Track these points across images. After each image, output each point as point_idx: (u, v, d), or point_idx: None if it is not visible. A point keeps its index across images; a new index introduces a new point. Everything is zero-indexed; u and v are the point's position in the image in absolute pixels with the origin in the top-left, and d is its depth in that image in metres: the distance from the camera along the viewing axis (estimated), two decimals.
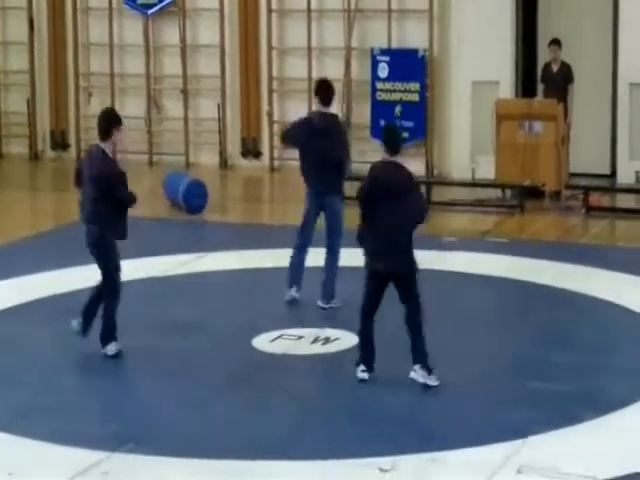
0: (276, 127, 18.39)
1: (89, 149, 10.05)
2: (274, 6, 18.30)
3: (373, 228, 8.96)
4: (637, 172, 16.27)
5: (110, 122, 9.76)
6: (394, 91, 17.51)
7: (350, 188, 10.73)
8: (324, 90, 11.16)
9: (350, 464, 7.63)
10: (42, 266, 12.38)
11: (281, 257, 11.73)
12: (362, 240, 9.07)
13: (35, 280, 11.98)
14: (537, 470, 7.50)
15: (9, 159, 19.77)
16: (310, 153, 10.94)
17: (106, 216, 9.59)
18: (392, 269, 8.93)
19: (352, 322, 10.45)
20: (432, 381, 8.89)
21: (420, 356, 8.92)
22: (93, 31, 19.45)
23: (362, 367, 9.09)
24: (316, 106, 11.27)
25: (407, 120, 17.36)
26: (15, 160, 19.66)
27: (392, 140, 9.19)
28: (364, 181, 9.15)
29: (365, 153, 16.01)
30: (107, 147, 9.80)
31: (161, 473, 7.58)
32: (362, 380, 9.04)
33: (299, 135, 11.07)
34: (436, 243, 13.11)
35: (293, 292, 11.05)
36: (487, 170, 16.11)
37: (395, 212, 8.90)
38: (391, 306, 9.08)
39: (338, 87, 17.85)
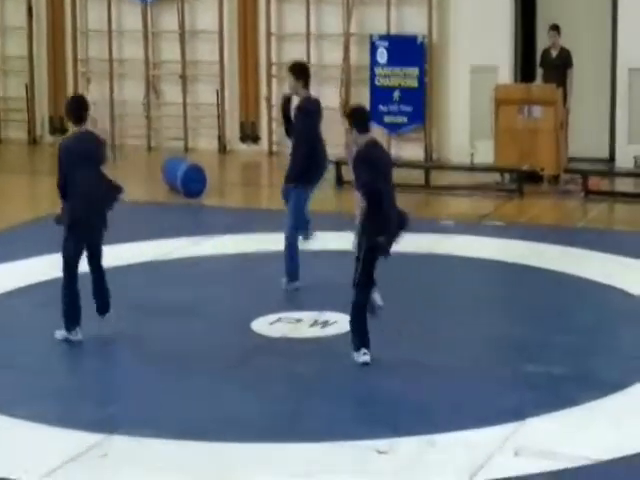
0: (274, 112, 18.40)
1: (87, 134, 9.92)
2: None
3: (380, 205, 8.92)
4: (635, 156, 16.24)
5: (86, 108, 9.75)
6: (393, 76, 17.51)
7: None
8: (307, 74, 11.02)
9: (348, 446, 7.63)
10: (41, 250, 12.36)
11: (279, 241, 11.72)
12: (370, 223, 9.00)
13: (34, 264, 11.97)
14: (534, 452, 7.51)
15: (8, 144, 19.79)
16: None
17: None
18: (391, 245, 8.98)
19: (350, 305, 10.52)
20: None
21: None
22: (92, 17, 19.43)
23: (364, 350, 9.06)
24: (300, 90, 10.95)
25: (406, 105, 17.37)
26: (14, 145, 19.67)
27: (366, 118, 9.18)
28: (361, 172, 9.01)
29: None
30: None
31: (159, 455, 7.57)
32: (365, 364, 9.01)
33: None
34: (434, 227, 13.12)
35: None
36: (486, 155, 16.11)
37: (391, 188, 8.97)
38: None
39: (337, 72, 17.99)
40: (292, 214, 10.95)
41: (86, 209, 9.58)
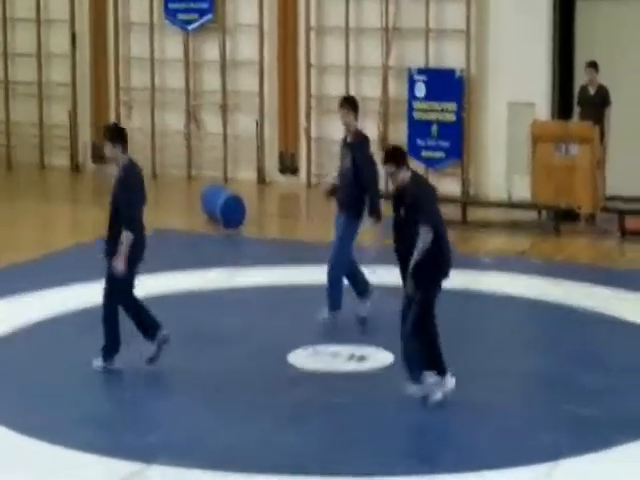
0: (313, 144, 18.49)
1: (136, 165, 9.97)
2: (313, 23, 18.39)
3: (442, 239, 8.96)
4: None
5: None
6: (431, 110, 17.54)
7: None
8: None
9: None
10: (79, 278, 12.46)
11: (316, 274, 11.75)
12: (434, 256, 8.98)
13: (75, 290, 12.05)
14: None
15: (51, 170, 19.91)
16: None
17: None
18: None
19: (388, 340, 10.52)
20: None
21: None
22: (134, 45, 19.60)
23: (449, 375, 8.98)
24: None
25: (443, 140, 17.39)
26: (57, 171, 19.79)
27: (405, 154, 9.18)
28: (426, 205, 8.96)
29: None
30: None
31: None
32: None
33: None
34: (471, 263, 13.10)
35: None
36: (523, 192, 16.11)
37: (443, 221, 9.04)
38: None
39: (375, 106, 18.04)
40: (340, 243, 10.97)
41: (144, 243, 9.64)
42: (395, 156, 9.01)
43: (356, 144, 10.94)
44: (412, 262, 8.81)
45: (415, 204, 8.90)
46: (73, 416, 8.84)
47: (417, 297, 8.89)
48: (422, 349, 8.95)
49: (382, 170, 9.28)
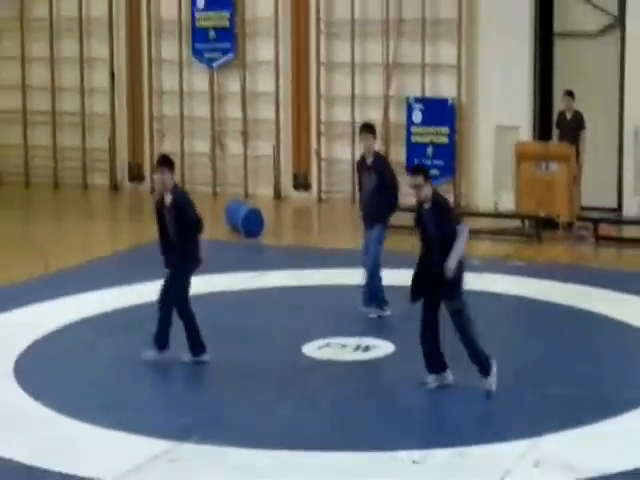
0: (324, 164, 18.47)
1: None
2: (323, 59, 18.38)
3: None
4: None
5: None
6: (426, 134, 17.49)
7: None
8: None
9: (386, 456, 7.61)
10: (119, 282, 12.46)
11: (328, 276, 11.73)
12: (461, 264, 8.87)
13: (113, 293, 12.04)
14: (552, 464, 7.44)
15: (93, 189, 19.94)
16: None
17: None
18: None
19: (389, 333, 10.51)
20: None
21: None
22: (165, 80, 19.60)
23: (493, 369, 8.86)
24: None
25: (438, 159, 17.35)
26: (97, 190, 19.82)
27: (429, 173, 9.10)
28: (453, 214, 8.98)
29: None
30: None
31: (222, 461, 7.59)
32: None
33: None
34: None
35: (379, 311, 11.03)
36: (508, 203, 16.07)
37: None
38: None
39: (378, 130, 17.95)
40: (376, 248, 10.89)
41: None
42: (424, 171, 8.94)
43: (380, 162, 11.06)
44: (453, 263, 8.64)
45: (446, 210, 8.83)
46: (113, 401, 8.82)
47: (456, 305, 8.73)
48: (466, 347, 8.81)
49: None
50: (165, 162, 9.66)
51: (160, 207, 9.69)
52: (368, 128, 11.22)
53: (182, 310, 9.69)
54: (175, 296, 9.64)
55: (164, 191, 9.62)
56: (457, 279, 8.75)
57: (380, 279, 10.95)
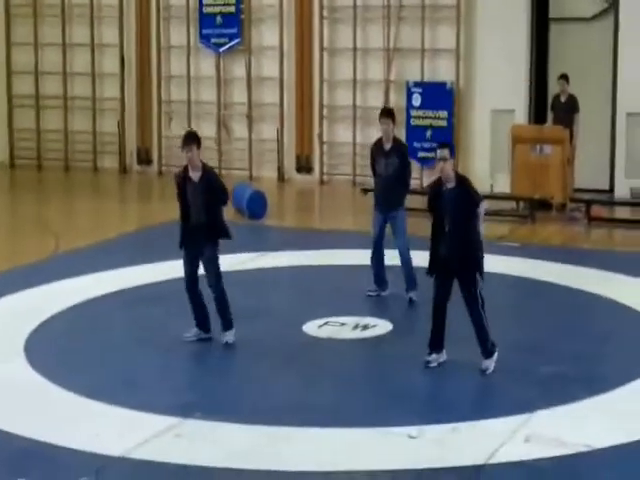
0: (325, 147, 18.43)
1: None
2: (325, 45, 18.33)
3: None
4: (631, 188, 16.12)
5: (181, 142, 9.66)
6: (425, 117, 17.45)
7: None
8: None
9: (383, 431, 7.61)
10: (127, 262, 12.46)
11: (329, 256, 11.68)
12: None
13: (121, 273, 12.03)
14: (542, 439, 7.44)
15: (103, 172, 19.93)
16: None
17: None
18: None
19: (387, 312, 10.50)
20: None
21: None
22: (174, 65, 19.56)
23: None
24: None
25: (436, 142, 17.23)
26: (107, 173, 19.82)
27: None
28: (477, 196, 8.79)
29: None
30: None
31: (225, 436, 7.59)
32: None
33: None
34: None
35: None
36: (504, 185, 16.03)
37: None
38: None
39: (378, 114, 17.88)
40: (405, 233, 10.75)
41: None
42: (450, 146, 8.82)
43: (401, 147, 10.85)
44: (481, 233, 8.59)
45: (471, 193, 8.65)
46: (120, 378, 8.82)
47: (473, 285, 8.63)
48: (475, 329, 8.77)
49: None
50: (194, 138, 9.41)
51: (183, 183, 9.44)
52: (387, 113, 10.85)
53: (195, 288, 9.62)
54: (219, 272, 9.50)
55: (192, 167, 9.39)
56: (479, 260, 8.66)
57: (411, 262, 10.72)
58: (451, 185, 8.66)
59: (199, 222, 9.44)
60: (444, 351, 8.93)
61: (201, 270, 9.62)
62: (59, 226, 14.93)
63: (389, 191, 10.74)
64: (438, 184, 8.79)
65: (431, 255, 8.79)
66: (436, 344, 8.88)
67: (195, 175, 9.41)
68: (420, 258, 10.33)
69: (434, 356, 8.88)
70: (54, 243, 13.73)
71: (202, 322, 9.65)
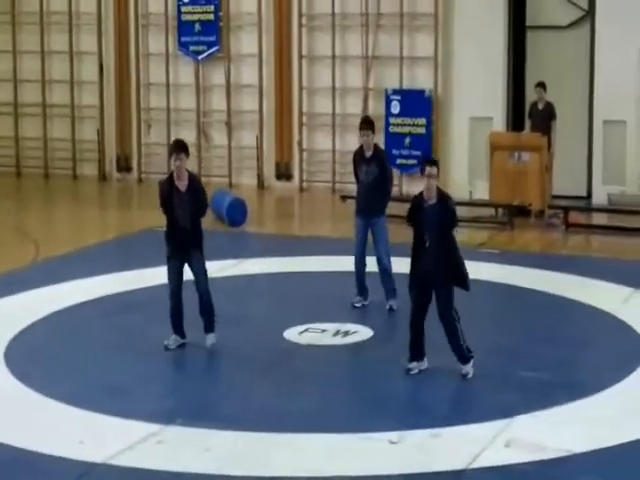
0: (305, 154, 18.46)
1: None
2: (304, 52, 18.35)
3: None
4: (609, 194, 16.23)
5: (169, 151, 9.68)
6: (404, 125, 17.50)
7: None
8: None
9: (364, 437, 7.63)
10: (107, 269, 12.43)
11: (309, 263, 11.67)
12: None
13: (100, 281, 12.01)
14: (522, 444, 7.48)
15: (82, 179, 19.86)
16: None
17: None
18: None
19: (368, 319, 10.52)
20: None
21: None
22: (152, 73, 19.52)
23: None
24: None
25: (415, 149, 17.36)
26: (87, 180, 19.75)
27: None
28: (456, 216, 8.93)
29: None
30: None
31: (207, 442, 7.59)
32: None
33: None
34: None
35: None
36: (482, 192, 16.10)
37: None
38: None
39: (357, 121, 17.86)
40: (386, 240, 10.77)
41: None
42: (437, 164, 8.87)
43: (381, 154, 10.91)
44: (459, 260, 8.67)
45: (452, 212, 8.74)
46: (100, 385, 8.80)
47: (449, 301, 8.70)
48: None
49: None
50: (184, 147, 9.41)
51: (169, 193, 9.42)
52: (367, 123, 10.90)
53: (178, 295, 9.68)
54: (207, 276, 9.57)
55: (178, 176, 9.38)
56: (464, 275, 8.75)
57: (391, 270, 10.74)
58: (432, 202, 8.70)
59: (186, 230, 9.47)
60: (425, 359, 8.96)
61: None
62: (39, 234, 14.88)
63: (370, 198, 10.79)
64: (419, 198, 8.82)
65: (411, 270, 8.83)
66: (416, 354, 8.92)
67: (182, 184, 9.44)
68: (400, 265, 10.38)
69: (415, 364, 8.91)
70: (34, 251, 13.68)
71: (180, 328, 9.66)
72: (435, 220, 8.65)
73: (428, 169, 8.70)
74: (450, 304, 8.71)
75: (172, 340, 9.64)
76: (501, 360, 9.41)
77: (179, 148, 9.43)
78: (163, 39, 19.18)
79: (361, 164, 10.87)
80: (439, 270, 8.62)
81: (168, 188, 9.45)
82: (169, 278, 9.60)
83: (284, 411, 8.18)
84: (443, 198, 8.76)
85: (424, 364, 8.93)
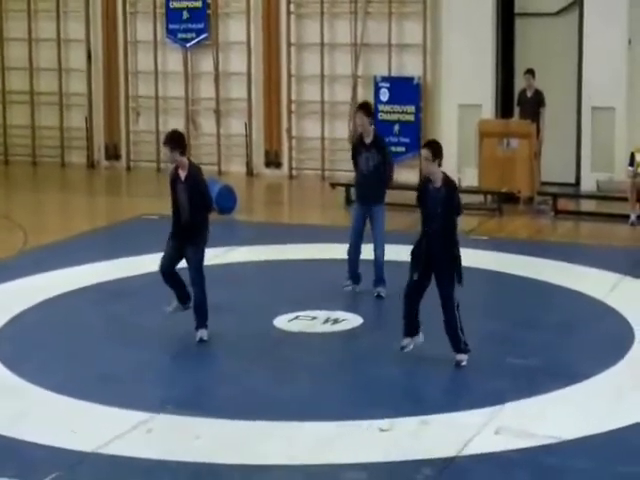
0: (294, 142, 18.43)
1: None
2: (293, 40, 18.30)
3: None
4: (597, 181, 16.25)
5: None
6: (393, 112, 17.48)
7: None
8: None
9: (355, 425, 7.64)
10: (97, 257, 12.40)
11: (298, 251, 11.66)
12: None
13: (90, 269, 11.97)
14: (512, 431, 7.50)
15: (70, 167, 19.80)
16: None
17: None
18: None
19: (358, 306, 10.52)
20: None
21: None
22: (141, 60, 19.44)
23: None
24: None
25: (404, 137, 17.35)
26: (75, 168, 19.69)
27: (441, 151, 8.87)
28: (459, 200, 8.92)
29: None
30: None
31: (198, 431, 7.59)
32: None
33: None
34: None
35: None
36: (471, 179, 16.11)
37: None
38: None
39: (346, 109, 17.97)
40: (382, 229, 10.71)
41: None
42: (434, 147, 8.73)
43: (381, 139, 10.79)
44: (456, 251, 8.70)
45: (452, 193, 8.71)
46: (90, 373, 8.79)
47: (450, 286, 8.70)
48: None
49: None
50: (169, 141, 9.40)
51: (174, 182, 9.53)
52: (364, 108, 10.69)
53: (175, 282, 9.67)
54: (202, 270, 9.55)
55: (181, 167, 9.45)
56: (459, 261, 8.74)
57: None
58: (437, 184, 8.71)
59: (186, 221, 9.48)
60: (421, 334, 8.89)
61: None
62: (27, 222, 14.82)
63: (368, 186, 10.70)
64: (426, 180, 8.85)
65: (414, 250, 8.79)
66: (411, 328, 8.86)
67: (183, 174, 9.50)
68: (394, 253, 10.39)
69: (408, 339, 8.86)
70: (22, 239, 13.64)
71: (180, 294, 9.66)
72: (437, 203, 8.67)
73: (422, 152, 8.77)
74: (450, 291, 8.69)
75: (171, 305, 9.67)
76: (490, 347, 9.43)
77: (165, 141, 9.47)
78: (151, 26, 19.09)
79: (361, 150, 10.74)
80: (439, 255, 8.64)
81: (174, 174, 9.60)
82: (164, 253, 9.58)
83: (274, 399, 8.18)
84: (447, 183, 8.76)
85: (419, 338, 8.89)
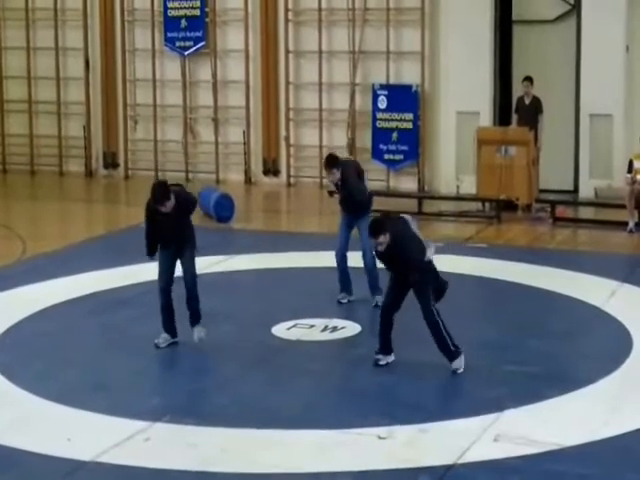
0: (292, 150, 18.43)
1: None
2: (291, 48, 18.32)
3: None
4: (596, 188, 16.25)
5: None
6: (391, 120, 17.49)
7: None
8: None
9: (353, 432, 7.62)
10: (95, 266, 12.38)
11: (297, 259, 11.63)
12: None
13: (88, 277, 11.96)
14: (511, 438, 7.48)
15: (68, 176, 19.80)
16: None
17: None
18: None
19: (356, 314, 10.51)
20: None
21: None
22: (139, 68, 19.47)
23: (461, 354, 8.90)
24: None
25: (402, 144, 17.37)
26: (73, 177, 19.68)
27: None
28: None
29: (366, 173, 15.97)
30: None
31: (194, 440, 7.57)
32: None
33: None
34: None
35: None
36: (469, 186, 16.10)
37: None
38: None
39: (344, 116, 17.99)
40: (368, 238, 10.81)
41: None
42: (381, 230, 8.76)
43: (359, 168, 11.02)
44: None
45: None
46: (87, 382, 8.77)
47: (423, 298, 8.78)
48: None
49: None
50: (167, 195, 9.21)
51: (154, 212, 9.35)
52: (327, 163, 10.77)
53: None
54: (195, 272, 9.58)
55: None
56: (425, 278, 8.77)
57: (375, 267, 10.68)
58: (381, 248, 8.77)
59: (175, 232, 9.48)
60: (392, 354, 9.00)
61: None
62: (25, 231, 14.82)
63: (350, 202, 10.83)
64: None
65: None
66: (386, 346, 8.96)
67: (165, 209, 9.29)
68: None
69: (381, 356, 8.96)
70: (21, 248, 13.62)
71: (171, 327, 9.62)
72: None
73: (373, 242, 8.76)
74: (425, 303, 8.70)
75: (162, 339, 9.60)
76: (489, 354, 9.41)
77: (163, 194, 9.21)
78: (149, 35, 19.12)
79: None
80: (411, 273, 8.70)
81: (153, 211, 9.37)
82: (161, 268, 9.52)
83: (272, 407, 8.15)
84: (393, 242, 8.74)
85: (391, 357, 8.98)
